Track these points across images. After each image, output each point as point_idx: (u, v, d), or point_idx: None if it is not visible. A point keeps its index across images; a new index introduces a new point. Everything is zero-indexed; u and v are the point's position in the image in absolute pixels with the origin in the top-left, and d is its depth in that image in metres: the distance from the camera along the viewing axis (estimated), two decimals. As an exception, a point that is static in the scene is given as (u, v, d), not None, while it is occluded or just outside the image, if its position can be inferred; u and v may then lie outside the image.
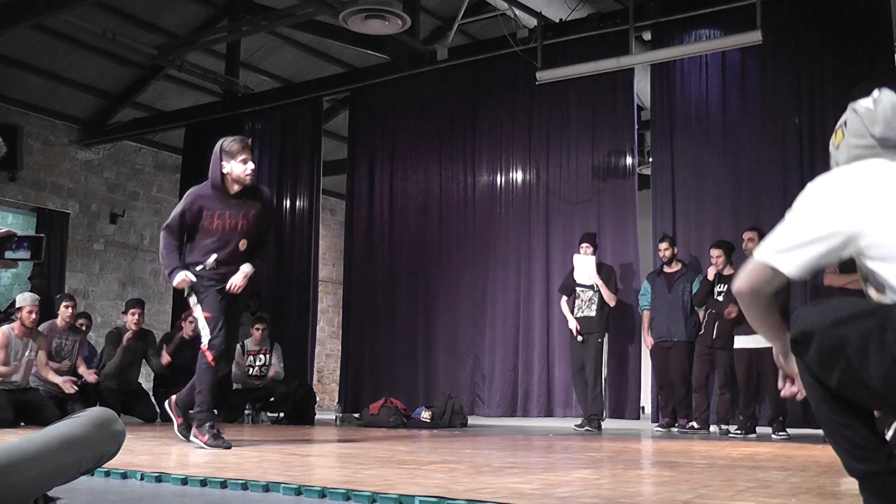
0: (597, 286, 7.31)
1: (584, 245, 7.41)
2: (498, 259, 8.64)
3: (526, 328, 8.32)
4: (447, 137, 9.13)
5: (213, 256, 4.70)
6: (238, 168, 4.70)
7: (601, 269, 7.40)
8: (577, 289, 7.42)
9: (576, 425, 7.34)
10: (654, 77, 8.08)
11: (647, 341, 7.37)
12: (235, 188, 4.74)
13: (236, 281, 4.72)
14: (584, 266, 7.33)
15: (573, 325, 7.36)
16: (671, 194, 7.79)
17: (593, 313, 7.32)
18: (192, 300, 4.75)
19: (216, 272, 4.71)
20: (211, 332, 4.67)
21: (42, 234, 2.41)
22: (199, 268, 4.71)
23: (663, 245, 7.30)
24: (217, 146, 4.77)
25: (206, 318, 4.69)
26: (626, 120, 8.10)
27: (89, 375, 7.53)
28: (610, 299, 7.35)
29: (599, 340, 7.31)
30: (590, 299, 7.35)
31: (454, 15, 8.85)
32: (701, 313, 7.11)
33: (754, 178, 7.41)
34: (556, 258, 8.24)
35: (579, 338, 7.31)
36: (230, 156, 4.71)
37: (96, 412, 2.16)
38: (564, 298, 7.56)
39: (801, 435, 6.49)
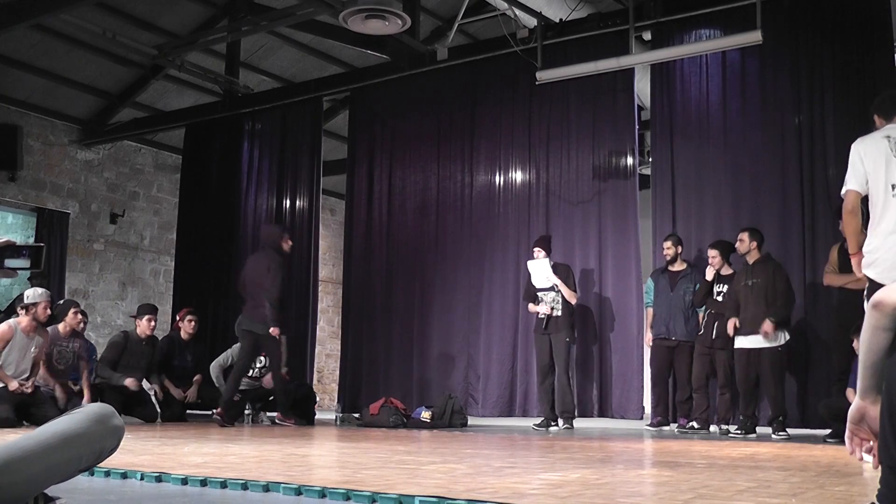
0: (556, 286, 7.35)
1: (535, 249, 7.54)
2: (496, 259, 8.64)
3: (526, 329, 8.30)
4: (447, 137, 9.13)
5: None
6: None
7: (557, 269, 7.46)
8: (539, 293, 7.48)
9: (535, 425, 7.37)
10: (654, 77, 8.08)
11: (646, 338, 7.41)
12: None
13: None
14: (539, 270, 7.45)
15: (543, 309, 7.37)
16: (671, 194, 7.79)
17: (559, 313, 7.37)
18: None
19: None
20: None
21: (42, 244, 2.38)
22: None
23: (667, 244, 7.32)
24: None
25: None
26: (626, 120, 8.10)
27: (85, 388, 7.51)
28: (571, 297, 7.40)
29: (567, 340, 7.37)
30: (553, 300, 7.39)
31: (454, 15, 8.85)
32: (700, 314, 7.12)
33: (754, 177, 7.41)
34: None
35: (542, 312, 7.35)
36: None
37: (94, 408, 2.16)
38: (531, 305, 7.61)
39: (801, 435, 6.50)
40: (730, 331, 6.73)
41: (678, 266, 7.31)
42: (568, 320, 7.40)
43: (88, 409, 2.14)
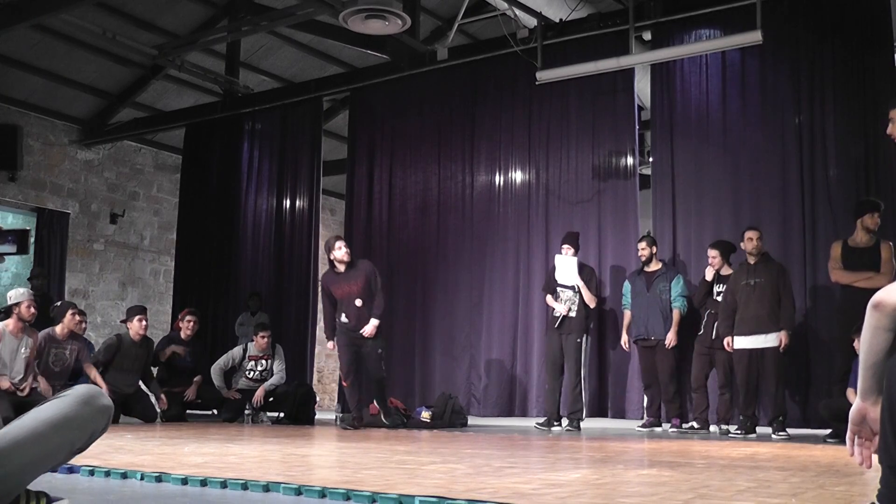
0: (577, 287, 7.33)
1: (565, 246, 7.47)
2: (496, 259, 8.64)
3: (525, 329, 8.31)
4: (447, 137, 9.12)
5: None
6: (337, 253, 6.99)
7: (583, 270, 7.41)
8: (558, 288, 7.45)
9: (538, 424, 7.34)
10: (654, 77, 8.08)
11: (623, 340, 7.42)
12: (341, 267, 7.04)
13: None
14: (566, 267, 7.38)
15: (560, 308, 7.33)
16: (671, 194, 7.79)
17: (574, 314, 7.34)
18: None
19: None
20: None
21: (27, 228, 2.37)
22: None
23: (641, 245, 7.34)
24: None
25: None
26: (626, 120, 8.09)
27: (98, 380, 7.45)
28: (590, 301, 7.36)
29: (579, 341, 7.31)
30: (570, 299, 7.36)
31: (454, 15, 8.86)
32: (677, 312, 7.12)
33: (754, 177, 7.41)
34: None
35: (557, 310, 7.30)
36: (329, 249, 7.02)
37: (81, 390, 2.16)
38: (549, 297, 7.57)
39: (801, 435, 6.50)
40: (727, 347, 6.72)
41: (653, 266, 7.31)
42: (583, 323, 7.35)
43: (75, 392, 2.14)
